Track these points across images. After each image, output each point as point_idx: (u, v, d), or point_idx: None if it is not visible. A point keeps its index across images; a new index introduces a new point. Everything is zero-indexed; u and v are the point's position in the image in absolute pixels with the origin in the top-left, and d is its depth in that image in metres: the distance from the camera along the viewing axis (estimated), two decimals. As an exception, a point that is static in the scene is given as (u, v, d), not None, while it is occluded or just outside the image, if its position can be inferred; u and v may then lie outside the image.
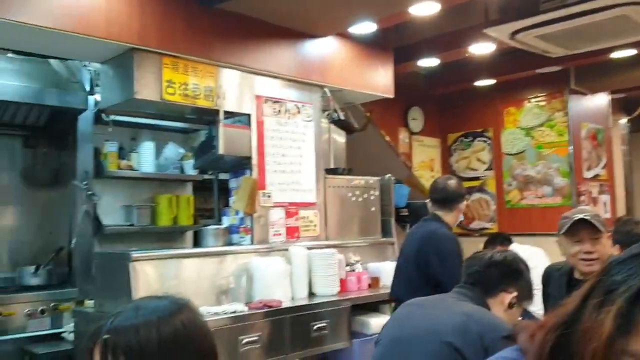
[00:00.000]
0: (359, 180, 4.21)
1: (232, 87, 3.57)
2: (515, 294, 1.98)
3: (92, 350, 1.15)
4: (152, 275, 3.05)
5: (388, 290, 3.58)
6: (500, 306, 1.97)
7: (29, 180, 4.10)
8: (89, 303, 3.30)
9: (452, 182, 3.16)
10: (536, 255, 3.67)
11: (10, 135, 4.07)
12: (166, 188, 4.32)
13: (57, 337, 3.57)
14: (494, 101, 6.18)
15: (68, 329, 3.53)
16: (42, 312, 3.61)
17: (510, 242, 4.22)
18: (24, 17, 2.73)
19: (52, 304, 3.65)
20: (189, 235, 4.49)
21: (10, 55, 3.40)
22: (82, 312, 3.26)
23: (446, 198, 3.09)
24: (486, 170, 6.30)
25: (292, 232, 3.78)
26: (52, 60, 3.73)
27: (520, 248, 3.55)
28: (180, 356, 1.15)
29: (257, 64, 3.66)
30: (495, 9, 4.03)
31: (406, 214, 4.43)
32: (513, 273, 2.01)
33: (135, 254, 3.02)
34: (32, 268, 3.87)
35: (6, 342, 3.42)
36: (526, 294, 2.04)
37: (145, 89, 3.17)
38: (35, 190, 4.14)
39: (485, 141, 6.32)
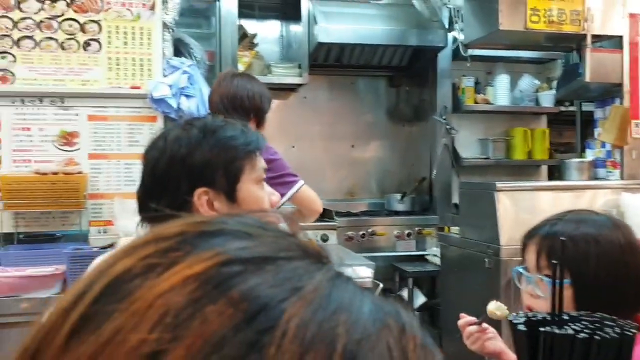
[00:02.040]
0: None
1: (601, 7, 3.26)
2: None
3: (526, 248, 1.24)
4: (514, 207, 3.09)
5: None
6: None
7: (393, 116, 4.53)
8: (453, 229, 3.53)
9: None
10: None
11: (376, 76, 4.53)
12: (520, 121, 4.28)
13: (422, 258, 3.94)
14: None
15: (432, 252, 3.86)
16: (408, 235, 4.01)
17: None
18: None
19: (417, 228, 4.02)
20: (544, 169, 4.39)
21: (382, 1, 3.73)
22: (447, 237, 3.51)
23: None
24: None
25: (671, 167, 3.35)
26: (415, 2, 3.97)
27: None
28: (616, 275, 1.15)
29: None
30: None
31: None
32: None
33: (499, 185, 3.09)
34: (398, 195, 4.31)
35: (380, 258, 3.91)
36: None
37: (509, 20, 3.14)
38: (398, 125, 4.55)
39: None
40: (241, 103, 2.18)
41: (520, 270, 1.27)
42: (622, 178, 3.32)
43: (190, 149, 1.07)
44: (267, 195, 1.15)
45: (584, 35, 3.22)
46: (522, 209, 3.09)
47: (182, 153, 1.06)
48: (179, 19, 2.79)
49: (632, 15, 3.31)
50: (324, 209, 4.22)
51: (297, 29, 4.13)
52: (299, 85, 4.06)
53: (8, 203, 2.45)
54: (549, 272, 1.18)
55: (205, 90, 2.85)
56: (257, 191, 1.11)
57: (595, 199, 3.17)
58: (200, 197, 1.06)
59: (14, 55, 2.60)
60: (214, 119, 1.20)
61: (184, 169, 1.06)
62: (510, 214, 3.07)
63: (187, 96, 2.72)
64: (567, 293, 1.16)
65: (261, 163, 1.13)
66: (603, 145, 3.43)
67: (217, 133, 1.09)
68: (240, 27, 3.90)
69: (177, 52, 2.84)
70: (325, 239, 3.81)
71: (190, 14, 3.66)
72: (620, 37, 3.30)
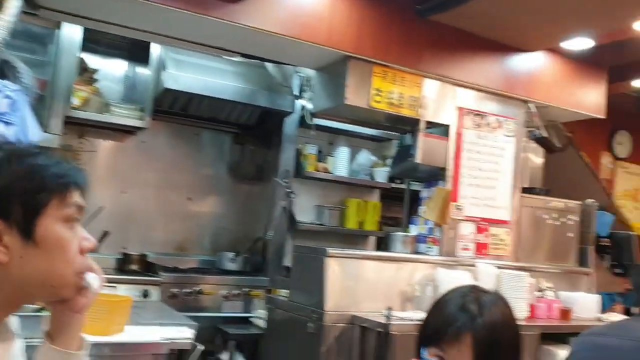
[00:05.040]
0: (557, 202, 3.97)
1: (435, 97, 3.57)
2: None
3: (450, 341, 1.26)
4: (342, 273, 3.14)
5: (580, 323, 3.33)
6: None
7: (234, 173, 4.48)
8: (281, 292, 3.49)
9: None
10: None
11: (223, 131, 4.48)
12: (356, 193, 4.47)
13: (247, 321, 3.83)
14: None
15: (258, 314, 3.77)
16: (236, 295, 3.90)
17: None
18: (256, 22, 2.99)
19: (245, 289, 3.92)
20: (372, 240, 4.58)
21: (235, 58, 3.73)
22: (274, 300, 3.46)
23: None
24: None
25: (480, 248, 3.68)
26: (268, 65, 4.04)
27: None
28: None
29: (463, 76, 3.63)
30: None
31: (608, 244, 4.08)
32: None
33: (331, 251, 3.14)
34: (230, 254, 4.20)
35: (204, 318, 3.73)
36: None
37: (355, 96, 3.30)
38: (239, 183, 4.50)
39: (700, 174, 5.61)
40: None
41: None
42: (440, 254, 3.56)
43: None
44: (78, 239, 1.00)
45: (418, 120, 3.49)
46: (348, 276, 3.15)
47: None
48: (9, 40, 2.52)
49: (460, 109, 3.66)
50: (150, 262, 4.00)
51: (144, 72, 3.98)
52: (139, 128, 3.87)
53: None
54: None
55: (30, 119, 2.59)
56: (62, 231, 0.96)
57: (415, 271, 3.34)
58: None
59: None
60: (31, 145, 1.04)
61: None
62: (338, 279, 3.12)
63: (7, 123, 2.44)
64: None
65: (77, 200, 0.99)
66: (426, 222, 3.67)
67: (25, 159, 0.95)
68: (81, 60, 3.66)
69: (2, 75, 2.56)
70: (146, 294, 3.57)
71: (26, 37, 3.36)
72: (448, 126, 3.63)
